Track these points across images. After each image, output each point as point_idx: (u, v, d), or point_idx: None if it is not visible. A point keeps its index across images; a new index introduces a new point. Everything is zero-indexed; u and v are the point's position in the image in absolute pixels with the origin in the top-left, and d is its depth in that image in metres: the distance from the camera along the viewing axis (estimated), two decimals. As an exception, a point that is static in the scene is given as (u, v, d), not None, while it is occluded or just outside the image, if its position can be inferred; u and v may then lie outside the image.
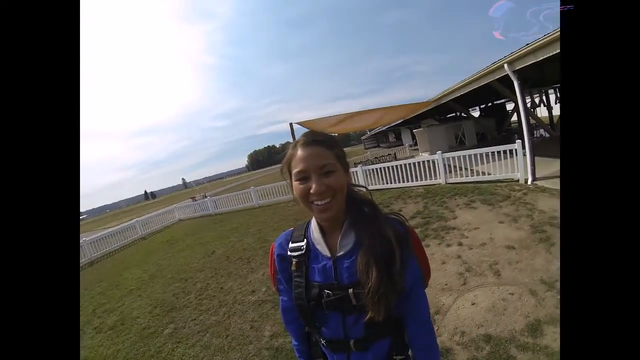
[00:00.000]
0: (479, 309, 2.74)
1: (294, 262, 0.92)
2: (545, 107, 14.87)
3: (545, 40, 5.18)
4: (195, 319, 3.92)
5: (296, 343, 1.10)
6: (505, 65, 6.41)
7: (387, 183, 9.18)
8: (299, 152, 0.82)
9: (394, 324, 0.92)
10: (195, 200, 16.57)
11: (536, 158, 6.47)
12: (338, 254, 0.87)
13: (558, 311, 2.49)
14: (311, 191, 0.79)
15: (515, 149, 6.50)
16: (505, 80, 6.97)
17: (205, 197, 16.70)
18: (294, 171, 0.82)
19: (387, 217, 0.90)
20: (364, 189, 0.99)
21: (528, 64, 5.95)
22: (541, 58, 5.55)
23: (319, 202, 0.80)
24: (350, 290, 0.83)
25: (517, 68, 6.25)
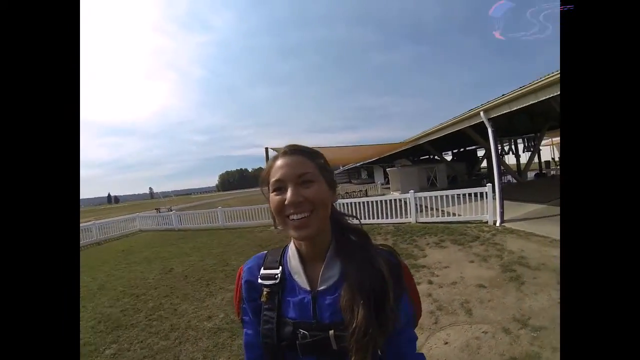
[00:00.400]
0: (452, 348, 2.64)
1: (264, 293, 0.79)
2: (514, 155, 15.83)
3: (519, 92, 5.61)
4: (142, 342, 3.50)
5: None
6: (481, 113, 6.83)
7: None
8: (278, 161, 0.74)
9: None
10: (160, 212, 15.76)
11: (504, 202, 6.73)
12: (319, 288, 0.76)
13: (532, 348, 2.45)
14: (286, 202, 0.69)
15: (486, 192, 6.76)
16: (479, 128, 7.36)
17: (171, 210, 16.00)
18: (271, 181, 0.73)
19: (377, 248, 0.80)
20: (354, 219, 0.87)
21: (502, 113, 6.39)
22: (515, 108, 6.00)
23: (295, 217, 0.70)
24: (331, 332, 0.71)
25: (492, 116, 6.69)
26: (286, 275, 0.80)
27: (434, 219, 7.77)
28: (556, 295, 3.23)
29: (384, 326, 0.69)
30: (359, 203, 9.18)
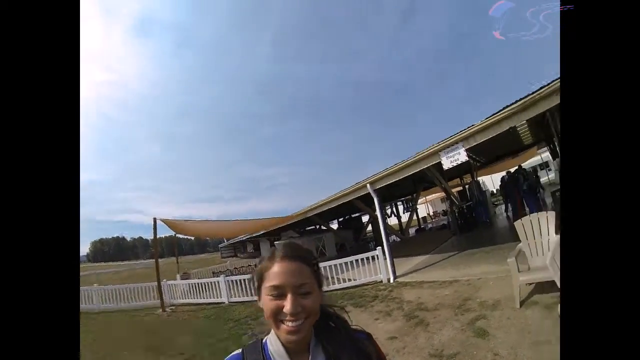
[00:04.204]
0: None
1: None
2: (395, 217, 18.47)
3: (403, 165, 7.13)
4: None
5: None
6: (368, 185, 8.02)
7: (252, 295, 8.51)
8: (277, 265, 0.76)
9: None
10: None
11: (394, 259, 7.62)
12: None
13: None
14: (284, 310, 0.73)
15: (377, 255, 7.55)
16: (365, 197, 8.45)
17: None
18: (268, 285, 0.75)
19: (354, 332, 0.87)
20: (336, 307, 0.93)
21: (386, 184, 7.71)
22: (397, 179, 7.41)
23: (290, 324, 0.73)
24: None
25: (377, 187, 7.94)
26: None
27: (332, 287, 7.94)
28: (458, 324, 3.82)
29: None
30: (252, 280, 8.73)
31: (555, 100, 4.52)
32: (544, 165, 20.42)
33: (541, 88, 4.66)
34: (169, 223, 10.10)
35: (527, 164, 17.19)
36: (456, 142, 5.96)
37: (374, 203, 8.17)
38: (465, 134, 5.80)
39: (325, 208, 10.73)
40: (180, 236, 14.16)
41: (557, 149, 10.54)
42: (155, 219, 9.27)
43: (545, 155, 17.36)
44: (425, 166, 6.80)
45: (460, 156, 5.96)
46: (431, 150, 6.38)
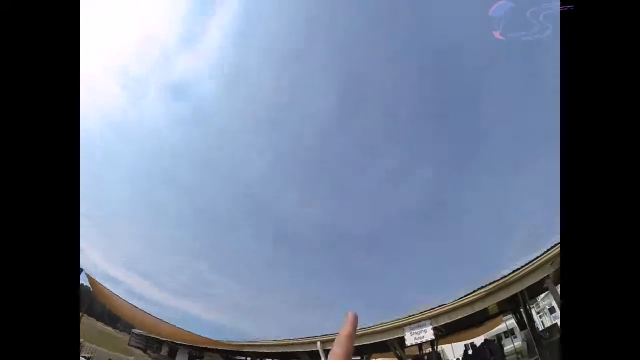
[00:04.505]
0: None
1: None
2: None
3: (361, 332, 6.78)
4: None
5: None
6: (318, 343, 8.12)
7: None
8: None
9: None
10: None
11: None
12: None
13: None
14: None
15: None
16: (311, 351, 7.70)
17: None
18: None
19: None
20: None
21: None
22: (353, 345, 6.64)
23: None
24: None
25: (328, 348, 8.03)
26: None
27: None
28: None
29: None
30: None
31: (527, 283, 4.47)
32: (509, 333, 19.84)
33: (514, 271, 4.83)
34: (94, 285, 8.98)
35: (492, 332, 17.04)
36: (424, 320, 5.49)
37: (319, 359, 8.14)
38: (435, 312, 5.43)
39: (268, 350, 9.62)
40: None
41: (524, 318, 10.34)
42: (85, 275, 8.98)
43: (510, 322, 17.08)
44: (386, 338, 6.25)
45: (426, 334, 5.52)
46: (396, 323, 5.95)
